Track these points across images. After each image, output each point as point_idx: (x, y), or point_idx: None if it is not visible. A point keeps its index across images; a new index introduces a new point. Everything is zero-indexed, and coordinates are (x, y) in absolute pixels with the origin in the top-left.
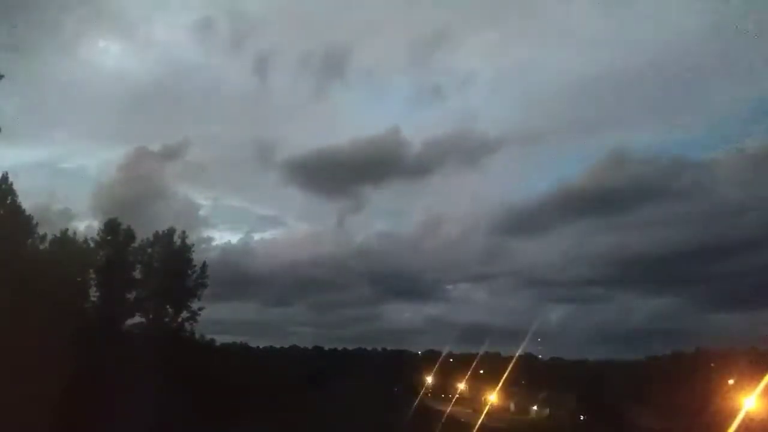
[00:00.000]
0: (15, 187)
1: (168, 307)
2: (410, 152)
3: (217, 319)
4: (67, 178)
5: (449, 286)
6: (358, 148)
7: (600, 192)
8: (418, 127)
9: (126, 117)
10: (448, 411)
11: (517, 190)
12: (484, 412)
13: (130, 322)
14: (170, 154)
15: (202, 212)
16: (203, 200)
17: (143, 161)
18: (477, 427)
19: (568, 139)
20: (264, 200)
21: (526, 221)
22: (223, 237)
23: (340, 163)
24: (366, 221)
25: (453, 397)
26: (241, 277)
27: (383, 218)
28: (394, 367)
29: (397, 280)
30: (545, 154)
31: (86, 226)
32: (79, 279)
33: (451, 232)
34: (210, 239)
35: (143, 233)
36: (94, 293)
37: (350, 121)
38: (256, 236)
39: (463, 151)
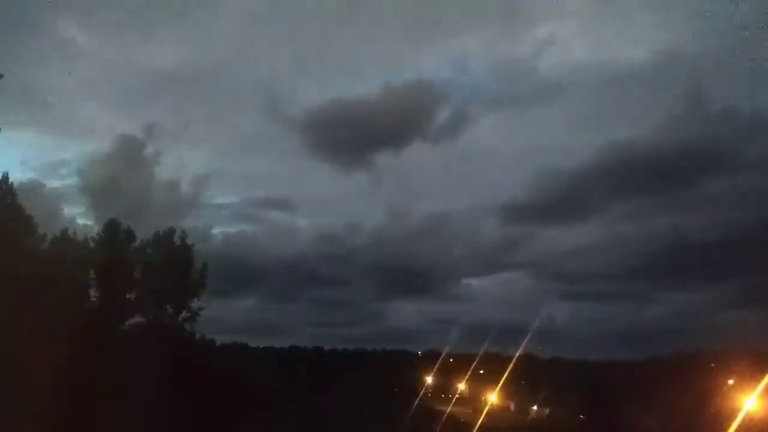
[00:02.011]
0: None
1: (168, 307)
2: (446, 106)
3: (216, 319)
4: None
5: (456, 282)
6: (383, 100)
7: (653, 161)
8: (462, 71)
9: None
10: (448, 411)
11: (560, 155)
12: (484, 412)
13: (130, 322)
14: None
15: (191, 195)
16: (192, 181)
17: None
18: (477, 427)
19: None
20: (262, 174)
21: (556, 201)
22: (215, 225)
23: (359, 122)
24: (379, 199)
25: (453, 397)
26: (236, 272)
27: (399, 194)
28: (395, 367)
29: (403, 275)
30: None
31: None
32: (79, 279)
33: (470, 215)
34: (201, 228)
35: (122, 214)
36: (94, 293)
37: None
38: (251, 224)
39: (511, 102)
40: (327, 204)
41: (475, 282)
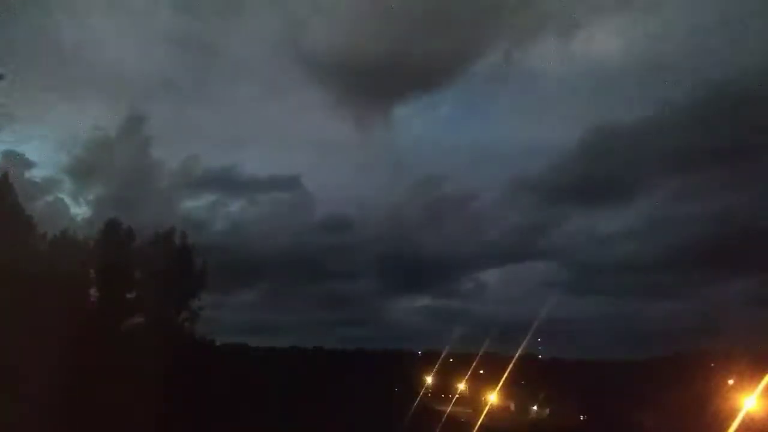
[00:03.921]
0: None
1: (168, 307)
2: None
3: (215, 318)
4: None
5: (462, 277)
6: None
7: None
8: None
9: None
10: (448, 411)
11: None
12: (484, 412)
13: (130, 322)
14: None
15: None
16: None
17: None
18: (477, 427)
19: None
20: (256, 146)
21: (592, 175)
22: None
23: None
24: (392, 173)
25: (453, 397)
26: (232, 265)
27: (418, 160)
28: (394, 367)
29: (407, 269)
30: None
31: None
32: (79, 279)
33: (492, 194)
34: (188, 214)
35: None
36: (94, 293)
37: None
38: (239, 210)
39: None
40: (337, 177)
41: (480, 276)
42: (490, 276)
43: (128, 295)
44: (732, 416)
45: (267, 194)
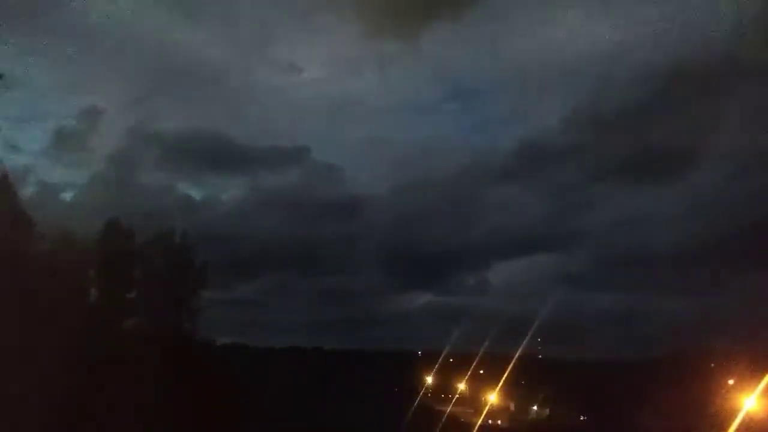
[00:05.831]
0: None
1: (168, 307)
2: None
3: (214, 317)
4: None
5: (464, 273)
6: None
7: None
8: None
9: None
10: (448, 411)
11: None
12: (484, 412)
13: (130, 322)
14: None
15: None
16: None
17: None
18: (477, 427)
19: None
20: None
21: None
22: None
23: None
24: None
25: (453, 397)
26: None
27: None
28: (394, 368)
29: (408, 264)
30: None
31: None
32: (79, 279)
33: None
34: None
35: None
36: (94, 293)
37: None
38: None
39: None
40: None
41: (482, 272)
42: (493, 272)
43: (128, 295)
44: (732, 416)
45: (268, 172)
